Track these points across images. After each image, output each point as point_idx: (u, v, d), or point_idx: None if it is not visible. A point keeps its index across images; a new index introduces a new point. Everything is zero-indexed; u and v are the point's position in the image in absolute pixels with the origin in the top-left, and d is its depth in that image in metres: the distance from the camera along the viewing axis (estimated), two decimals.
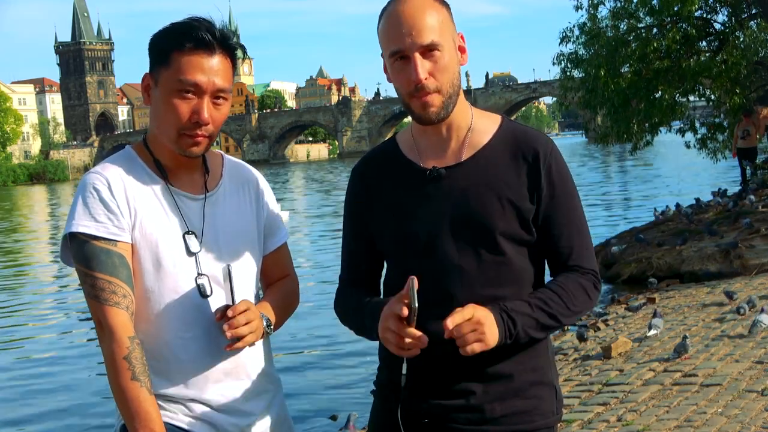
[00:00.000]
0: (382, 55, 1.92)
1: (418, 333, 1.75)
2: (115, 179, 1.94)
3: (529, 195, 1.89)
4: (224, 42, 1.94)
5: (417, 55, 1.83)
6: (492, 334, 1.75)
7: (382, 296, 2.02)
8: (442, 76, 1.85)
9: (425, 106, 1.86)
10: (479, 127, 1.95)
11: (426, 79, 1.84)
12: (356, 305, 1.98)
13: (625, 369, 6.16)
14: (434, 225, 1.89)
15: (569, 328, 8.80)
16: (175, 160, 2.00)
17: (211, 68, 1.91)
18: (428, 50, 1.83)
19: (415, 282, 1.73)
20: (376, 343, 2.06)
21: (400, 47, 1.84)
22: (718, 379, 5.59)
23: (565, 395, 5.59)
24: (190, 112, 1.91)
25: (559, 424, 2.02)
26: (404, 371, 1.85)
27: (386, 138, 2.19)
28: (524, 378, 1.92)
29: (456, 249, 1.87)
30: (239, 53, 2.02)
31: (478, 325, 1.73)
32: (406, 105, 1.91)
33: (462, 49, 1.93)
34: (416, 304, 1.72)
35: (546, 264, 1.98)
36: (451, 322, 1.71)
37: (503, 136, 1.94)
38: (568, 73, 19.74)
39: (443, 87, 1.86)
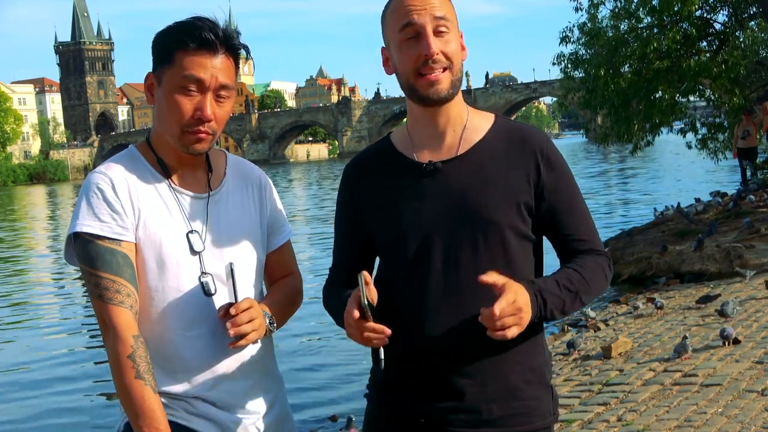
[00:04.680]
0: (382, 49, 1.94)
1: (378, 326, 1.78)
2: (118, 179, 1.95)
3: (529, 188, 1.90)
4: (227, 42, 1.95)
5: (429, 29, 1.84)
6: (528, 317, 1.75)
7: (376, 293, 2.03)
8: (452, 57, 1.87)
9: (433, 82, 1.87)
10: (474, 124, 1.97)
11: (437, 54, 1.85)
12: (336, 305, 1.99)
13: (625, 369, 6.17)
14: (432, 218, 1.90)
15: (569, 328, 8.83)
16: (178, 159, 2.01)
17: (214, 66, 1.93)
18: (439, 28, 1.85)
19: (364, 277, 1.76)
20: None
21: (412, 19, 1.85)
22: (718, 379, 5.60)
23: (565, 395, 5.60)
24: (193, 109, 1.92)
25: (558, 425, 2.03)
26: (381, 356, 1.84)
27: (368, 145, 2.20)
28: (521, 378, 1.92)
29: (454, 243, 1.88)
30: (242, 53, 2.04)
31: (519, 311, 1.72)
32: (411, 86, 1.90)
33: (462, 46, 1.94)
34: (366, 302, 1.76)
35: (542, 260, 1.99)
36: (498, 309, 1.69)
37: (498, 131, 1.96)
38: (568, 74, 19.74)
39: (452, 67, 1.88)
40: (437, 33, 1.85)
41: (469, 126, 1.96)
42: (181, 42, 1.92)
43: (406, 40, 1.87)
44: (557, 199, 1.92)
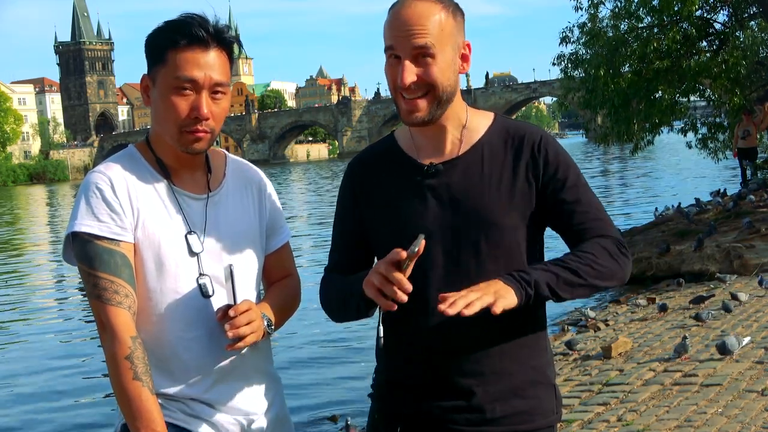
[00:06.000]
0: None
1: (406, 282, 1.72)
2: (118, 179, 1.94)
3: (529, 185, 1.90)
4: (219, 36, 1.94)
5: (407, 61, 1.83)
6: (504, 292, 1.72)
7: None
8: (433, 82, 1.85)
9: (410, 110, 1.87)
10: (473, 125, 1.97)
11: (413, 83, 1.84)
12: (341, 281, 1.97)
13: (625, 369, 6.17)
14: (433, 219, 1.90)
15: (569, 328, 8.82)
16: (177, 160, 2.00)
17: (207, 63, 1.91)
18: (420, 55, 1.83)
19: (422, 241, 1.72)
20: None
21: (393, 44, 1.85)
22: (718, 379, 5.60)
23: (565, 395, 5.60)
24: (189, 109, 1.91)
25: (558, 424, 2.03)
26: (380, 334, 1.82)
27: (372, 142, 2.19)
28: (524, 377, 1.92)
29: (456, 244, 1.88)
30: (236, 48, 2.02)
31: (481, 289, 1.70)
32: (394, 101, 1.92)
33: (465, 58, 1.92)
34: (416, 249, 1.70)
35: (543, 257, 1.98)
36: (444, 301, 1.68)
37: (496, 131, 1.96)
38: (568, 74, 19.73)
39: (432, 92, 1.86)
40: (417, 59, 1.84)
41: (468, 126, 1.96)
42: (172, 40, 1.91)
43: (391, 58, 1.87)
44: (560, 191, 1.90)
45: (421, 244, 1.71)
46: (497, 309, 1.70)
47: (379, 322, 1.83)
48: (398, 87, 1.86)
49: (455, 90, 1.91)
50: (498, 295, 1.71)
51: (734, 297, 8.03)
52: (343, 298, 1.94)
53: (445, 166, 1.93)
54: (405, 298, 1.72)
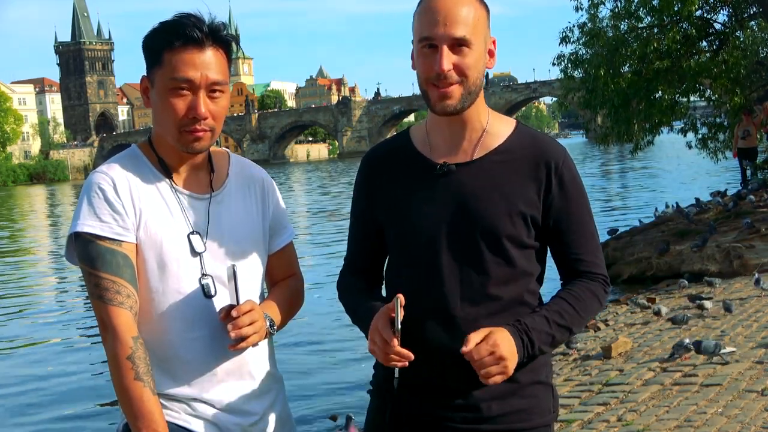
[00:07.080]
0: (412, 42, 1.93)
1: (403, 351, 1.80)
2: (120, 179, 1.94)
3: (538, 201, 1.90)
4: (214, 35, 1.94)
5: (445, 47, 1.84)
6: (513, 363, 1.79)
7: (384, 285, 2.07)
8: (467, 71, 1.86)
9: (443, 96, 1.87)
10: (494, 129, 1.96)
11: (449, 70, 1.84)
12: (353, 302, 2.02)
13: (625, 369, 6.17)
14: (439, 220, 1.91)
15: None
16: (180, 160, 2.01)
17: (203, 63, 1.91)
18: (457, 44, 1.84)
19: (400, 301, 1.79)
20: None
21: (431, 35, 1.85)
22: (718, 379, 5.60)
23: (565, 395, 5.60)
24: (187, 109, 1.91)
25: (558, 425, 2.04)
26: (396, 375, 1.87)
27: (387, 137, 2.20)
28: (521, 377, 1.92)
29: (458, 246, 1.88)
30: (234, 45, 2.02)
31: (501, 360, 1.77)
32: (424, 92, 1.92)
33: (491, 53, 1.94)
34: (399, 326, 1.79)
35: (544, 264, 2.00)
36: (475, 355, 1.75)
37: (516, 140, 1.95)
38: (568, 74, 19.72)
39: (466, 81, 1.87)
40: (454, 48, 1.85)
41: (488, 130, 1.96)
42: (167, 42, 1.91)
43: (425, 48, 1.87)
44: (564, 216, 1.93)
45: (400, 305, 1.80)
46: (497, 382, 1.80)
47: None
48: (431, 77, 1.87)
49: (481, 85, 1.93)
50: (509, 371, 1.79)
51: (700, 306, 7.93)
52: (354, 322, 2.01)
53: (459, 167, 1.92)
54: (411, 358, 1.81)
